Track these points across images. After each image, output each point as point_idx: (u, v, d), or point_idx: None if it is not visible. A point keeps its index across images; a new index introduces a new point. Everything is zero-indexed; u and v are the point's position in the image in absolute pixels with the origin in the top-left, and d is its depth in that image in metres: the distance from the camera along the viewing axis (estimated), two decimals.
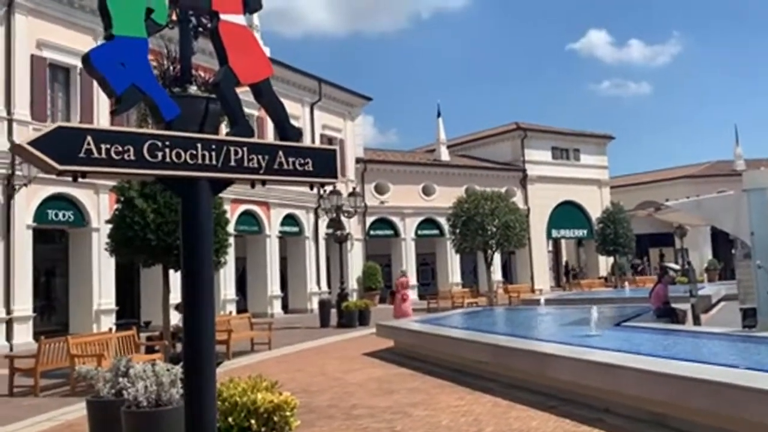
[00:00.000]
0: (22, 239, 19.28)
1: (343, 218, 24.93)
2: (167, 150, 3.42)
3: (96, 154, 3.12)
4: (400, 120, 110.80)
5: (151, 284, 22.77)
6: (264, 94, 4.05)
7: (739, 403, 6.02)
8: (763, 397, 5.80)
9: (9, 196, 19.07)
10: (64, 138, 3.05)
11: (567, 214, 42.20)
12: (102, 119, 21.76)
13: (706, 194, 23.54)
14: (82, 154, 3.08)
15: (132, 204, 12.73)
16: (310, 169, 4.02)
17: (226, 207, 17.15)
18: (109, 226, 13.59)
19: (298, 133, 4.10)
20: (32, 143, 2.96)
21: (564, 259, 45.57)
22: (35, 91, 20.28)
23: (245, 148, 3.80)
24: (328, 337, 19.35)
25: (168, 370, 5.03)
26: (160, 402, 4.90)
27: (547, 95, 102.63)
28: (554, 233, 42.21)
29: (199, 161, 3.59)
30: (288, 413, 5.22)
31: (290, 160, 3.90)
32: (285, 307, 29.54)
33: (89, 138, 3.13)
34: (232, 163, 3.73)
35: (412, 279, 35.60)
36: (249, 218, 27.48)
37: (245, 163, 3.78)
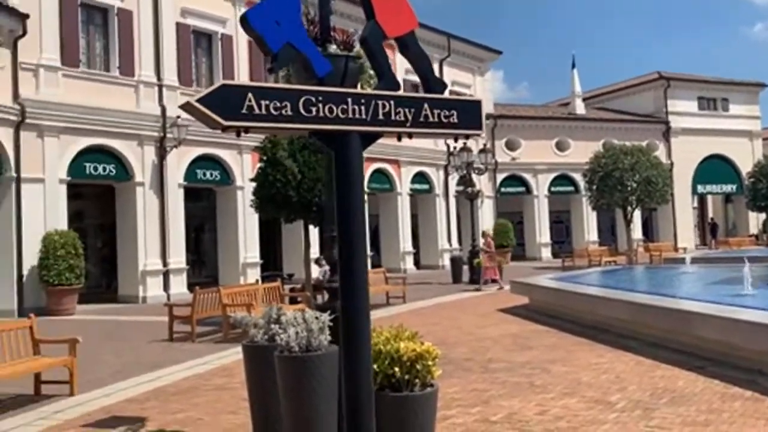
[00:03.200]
0: (175, 197, 20.74)
1: (473, 175, 24.75)
2: (320, 105, 3.55)
3: (257, 110, 3.31)
4: (530, 74, 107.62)
5: (292, 239, 23.92)
6: (410, 46, 4.09)
7: None
8: None
9: (161, 157, 20.50)
10: (227, 95, 3.25)
11: (714, 168, 39.49)
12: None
13: None
14: (244, 110, 3.28)
15: (275, 162, 13.29)
16: (455, 121, 4.03)
17: None
18: (253, 184, 14.27)
19: (442, 86, 4.11)
20: (200, 100, 3.17)
21: (710, 216, 42.89)
22: (181, 57, 21.49)
23: (392, 102, 3.86)
24: (461, 293, 19.48)
25: (316, 318, 5.27)
26: (310, 347, 5.16)
27: (692, 41, 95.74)
28: (700, 189, 39.72)
29: (350, 115, 3.71)
30: (430, 362, 5.34)
31: (435, 112, 3.93)
32: (417, 263, 29.98)
33: (250, 95, 3.32)
34: (381, 117, 3.82)
35: (545, 236, 34.92)
36: (381, 176, 27.93)
37: (393, 117, 3.85)
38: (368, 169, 26.34)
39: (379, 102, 3.83)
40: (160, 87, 20.78)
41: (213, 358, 10.29)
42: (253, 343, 5.80)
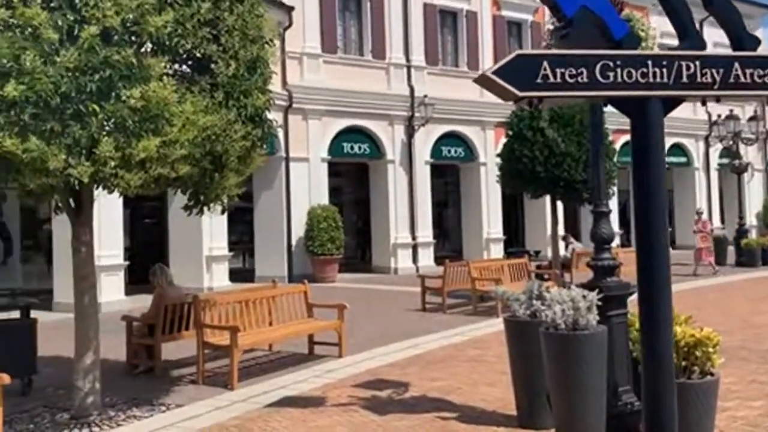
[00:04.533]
0: (422, 174, 21.50)
1: (741, 146, 22.33)
2: (618, 70, 3.37)
3: (552, 79, 3.24)
4: None
5: (535, 215, 23.61)
6: (715, 1, 3.75)
7: None
8: None
9: (410, 136, 21.32)
10: (522, 65, 3.22)
11: None
12: (486, 61, 22.82)
13: None
14: (539, 80, 3.23)
15: (521, 137, 13.15)
16: None
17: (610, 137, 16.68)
18: (496, 160, 14.26)
19: (756, 42, 3.70)
20: (495, 72, 3.19)
21: None
22: (428, 37, 22.07)
23: (697, 63, 3.56)
24: (727, 276, 17.78)
25: (583, 296, 5.11)
26: (577, 326, 5.03)
27: None
28: None
29: (650, 79, 3.49)
30: (710, 349, 4.94)
31: (748, 72, 3.54)
32: (672, 243, 27.90)
33: (545, 63, 3.26)
34: (684, 80, 3.54)
35: None
36: None
37: (698, 79, 3.55)
38: (619, 141, 24.94)
39: (683, 63, 3.54)
40: (409, 68, 21.56)
41: (465, 330, 10.54)
42: (514, 317, 5.81)
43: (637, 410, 5.33)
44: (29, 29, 5.02)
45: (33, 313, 7.68)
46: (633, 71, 3.41)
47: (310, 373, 7.96)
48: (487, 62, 22.87)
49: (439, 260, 20.53)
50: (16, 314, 7.57)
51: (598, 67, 3.35)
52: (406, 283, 16.22)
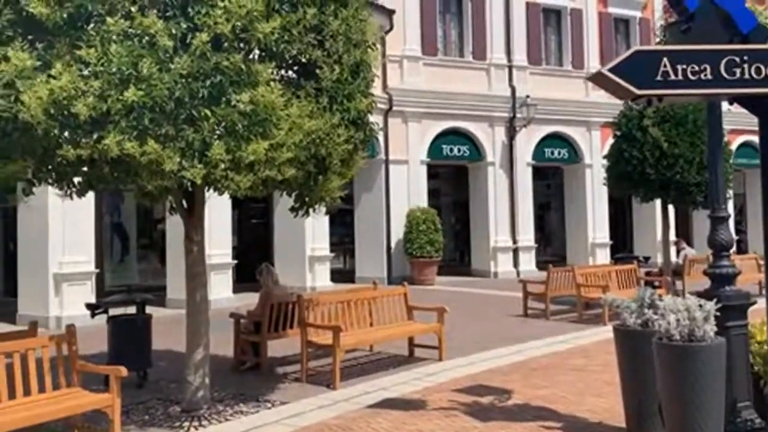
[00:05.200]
0: (523, 176, 21.11)
1: None
2: (746, 66, 3.16)
3: (672, 76, 3.07)
4: None
5: (644, 219, 22.71)
6: None
7: None
8: None
9: (511, 137, 20.98)
10: (641, 62, 3.07)
11: None
12: (591, 60, 22.18)
13: None
14: (658, 77, 3.06)
15: (630, 138, 12.65)
16: None
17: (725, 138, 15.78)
18: (602, 161, 13.78)
19: None
20: (612, 69, 3.06)
21: None
22: (531, 37, 21.66)
23: None
24: None
25: (700, 306, 4.83)
26: (693, 337, 4.75)
27: None
28: None
29: None
30: None
31: None
32: None
33: (665, 60, 3.09)
34: None
35: None
36: (749, 150, 24.81)
37: None
38: (734, 142, 23.61)
39: None
40: (510, 68, 21.23)
41: (569, 338, 10.23)
42: (625, 326, 5.57)
43: (759, 428, 5.00)
44: (146, 38, 5.26)
45: (147, 309, 8.06)
46: (762, 67, 3.18)
47: (410, 375, 7.95)
48: (592, 61, 22.21)
49: (540, 265, 20.11)
50: (132, 310, 7.97)
51: (723, 62, 3.14)
52: (507, 288, 15.95)
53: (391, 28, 18.82)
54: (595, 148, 22.06)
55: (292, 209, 6.98)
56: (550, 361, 8.60)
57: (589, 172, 21.93)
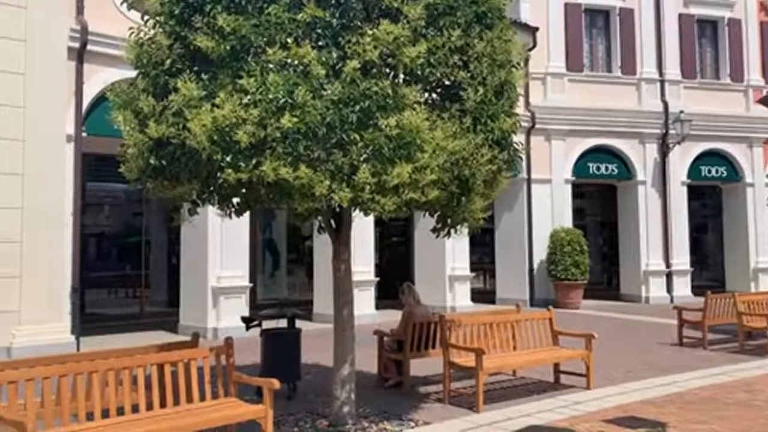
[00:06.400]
0: (678, 195, 19.95)
1: None
2: None
3: None
4: None
5: None
6: None
7: None
8: None
9: (663, 154, 19.93)
10: None
11: None
12: (752, 72, 20.74)
13: None
14: None
15: None
16: None
17: None
18: (764, 181, 12.74)
19: None
20: None
21: None
22: (684, 49, 20.54)
23: None
24: None
25: None
26: None
27: None
28: None
29: None
30: None
31: None
32: None
33: None
34: None
35: None
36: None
37: None
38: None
39: None
40: (662, 82, 20.22)
41: (730, 369, 9.50)
42: None
43: None
44: (301, 67, 5.53)
45: (296, 323, 8.39)
46: None
47: (556, 403, 7.70)
48: (753, 73, 20.79)
49: (696, 290, 18.86)
50: (283, 323, 8.33)
51: None
52: (659, 314, 15.11)
53: (534, 45, 18.55)
54: (757, 165, 20.53)
55: (434, 230, 7.02)
56: (709, 394, 8.02)
57: (750, 191, 20.42)
